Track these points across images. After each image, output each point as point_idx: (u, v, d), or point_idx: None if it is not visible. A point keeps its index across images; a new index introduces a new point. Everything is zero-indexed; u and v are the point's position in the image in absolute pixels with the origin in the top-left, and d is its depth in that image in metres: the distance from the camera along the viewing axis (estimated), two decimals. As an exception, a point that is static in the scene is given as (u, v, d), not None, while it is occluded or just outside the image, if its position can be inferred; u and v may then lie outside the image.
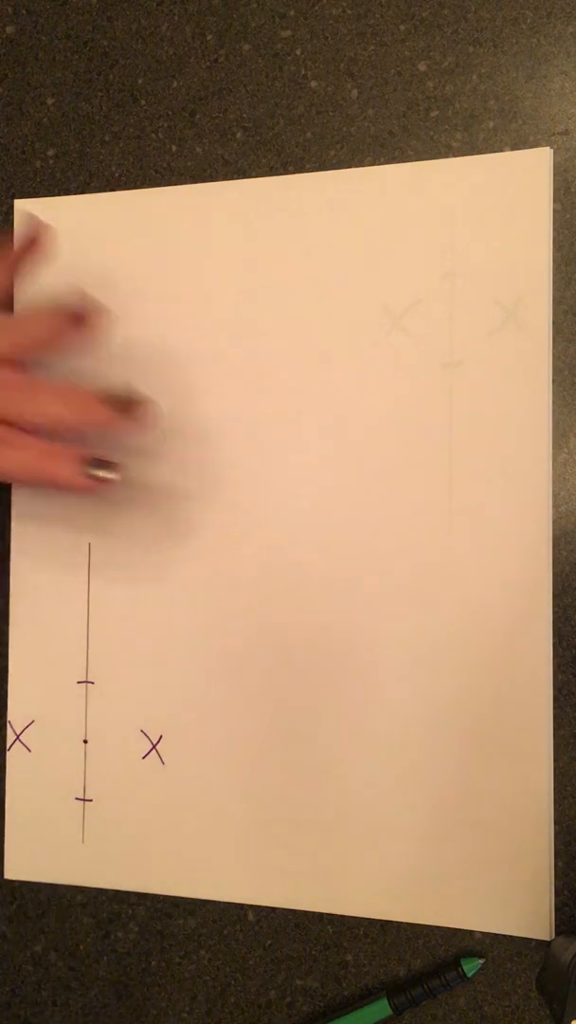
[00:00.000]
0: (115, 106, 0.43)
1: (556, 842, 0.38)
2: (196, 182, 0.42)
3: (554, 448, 0.38)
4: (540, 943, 0.38)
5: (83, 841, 0.43)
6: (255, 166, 0.42)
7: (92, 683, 0.43)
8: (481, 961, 0.38)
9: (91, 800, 0.43)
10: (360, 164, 0.40)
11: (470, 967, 0.38)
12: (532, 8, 0.39)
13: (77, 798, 0.43)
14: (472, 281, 0.39)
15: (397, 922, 0.40)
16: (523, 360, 0.38)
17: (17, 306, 0.44)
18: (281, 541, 0.40)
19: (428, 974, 0.38)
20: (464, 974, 0.37)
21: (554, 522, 0.38)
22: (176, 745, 0.42)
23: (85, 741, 0.43)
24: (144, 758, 0.42)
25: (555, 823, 0.38)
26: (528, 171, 0.38)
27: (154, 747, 0.42)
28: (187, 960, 0.42)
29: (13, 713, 0.44)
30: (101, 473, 0.38)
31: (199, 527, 0.42)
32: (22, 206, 0.44)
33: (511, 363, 0.38)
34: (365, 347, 0.40)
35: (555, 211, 0.38)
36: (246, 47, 0.42)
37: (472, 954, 0.38)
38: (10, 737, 0.44)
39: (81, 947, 0.43)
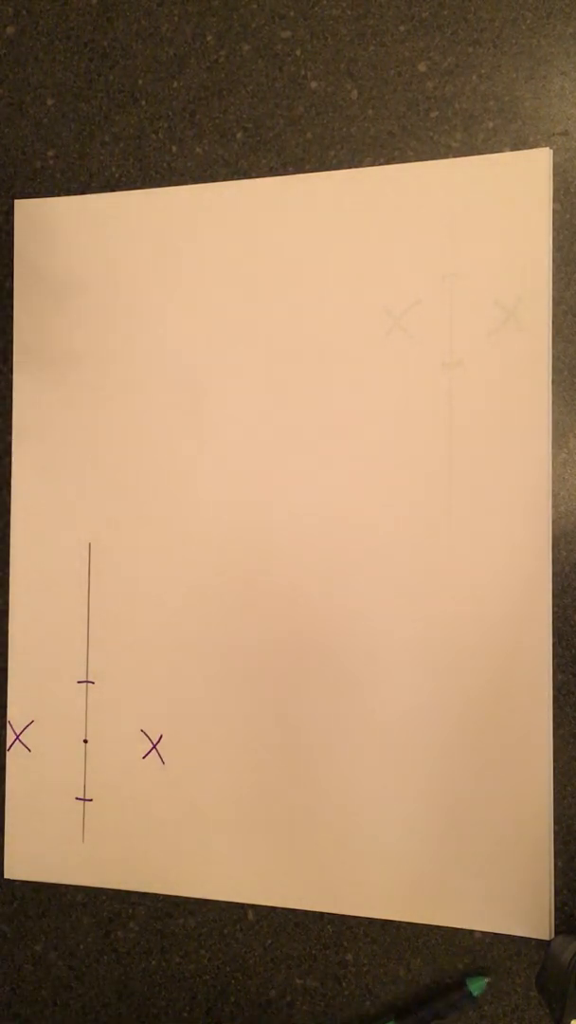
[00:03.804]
0: (115, 106, 0.43)
1: (556, 842, 0.38)
2: (196, 182, 0.42)
3: (554, 448, 0.38)
4: (540, 943, 0.38)
5: (83, 841, 0.43)
6: (255, 166, 0.42)
7: (92, 683, 0.43)
8: (487, 980, 0.38)
9: (91, 800, 0.43)
10: (360, 164, 0.40)
11: (476, 987, 0.37)
12: (532, 8, 0.39)
13: (77, 798, 0.43)
14: (472, 281, 0.39)
15: (397, 922, 0.40)
16: (523, 360, 0.38)
17: (17, 306, 0.44)
18: (281, 540, 0.40)
19: (435, 996, 0.38)
20: (471, 994, 0.37)
21: (554, 522, 0.38)
22: (176, 745, 0.42)
23: (85, 741, 0.43)
24: (144, 758, 0.42)
25: (555, 823, 0.38)
26: (528, 171, 0.38)
27: (154, 747, 0.42)
28: (187, 960, 0.42)
29: (13, 713, 0.44)
30: None
31: (199, 527, 0.42)
32: (22, 206, 0.44)
33: (511, 363, 0.38)
34: (365, 347, 0.40)
35: (555, 211, 0.38)
36: (246, 47, 0.42)
37: (477, 972, 0.38)
38: (10, 737, 0.44)
39: (81, 947, 0.43)
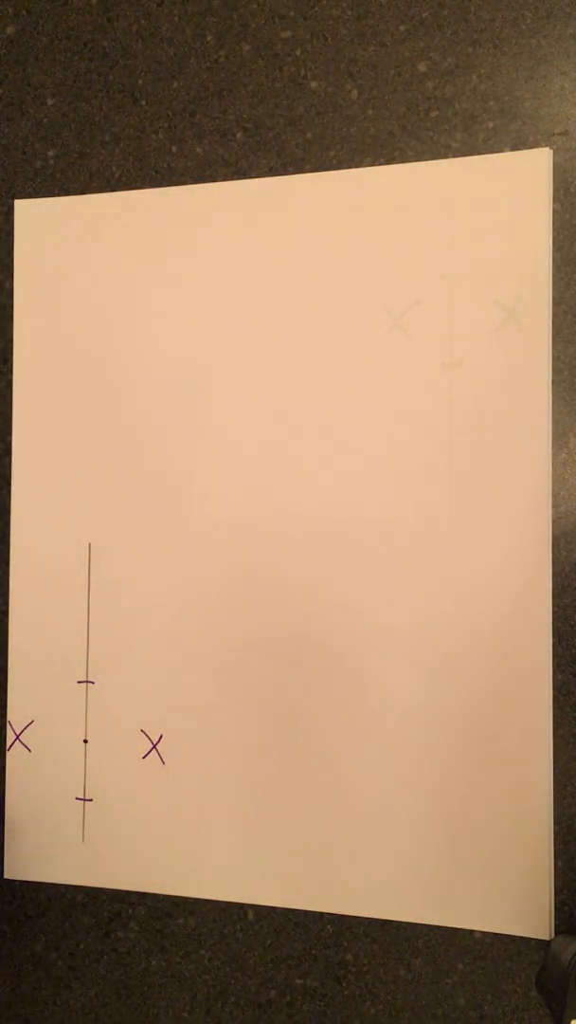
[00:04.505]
0: (115, 106, 0.43)
1: (556, 842, 0.38)
2: (196, 182, 0.42)
3: (554, 448, 0.38)
4: (540, 943, 0.38)
5: (83, 841, 0.43)
6: (255, 166, 0.42)
7: (92, 683, 0.43)
8: None
9: (91, 800, 0.43)
10: (360, 164, 0.40)
11: None
12: (532, 8, 0.39)
13: (77, 798, 0.43)
14: (472, 281, 0.39)
15: (397, 922, 0.40)
16: (523, 360, 0.38)
17: (17, 306, 0.44)
18: (280, 540, 0.40)
19: None
20: None
21: (554, 522, 0.38)
22: (176, 745, 0.42)
23: (85, 741, 0.43)
24: (144, 758, 0.42)
25: (555, 823, 0.38)
26: (528, 171, 0.38)
27: (154, 747, 0.42)
28: (187, 960, 0.42)
29: (13, 713, 0.44)
30: None
31: (199, 526, 0.42)
32: (22, 206, 0.44)
33: (511, 363, 0.38)
34: (365, 347, 0.40)
35: (555, 211, 0.38)
36: (246, 47, 0.42)
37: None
38: (10, 737, 0.44)
39: (81, 947, 0.43)
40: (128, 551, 0.43)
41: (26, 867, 0.44)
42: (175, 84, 0.43)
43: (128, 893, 0.43)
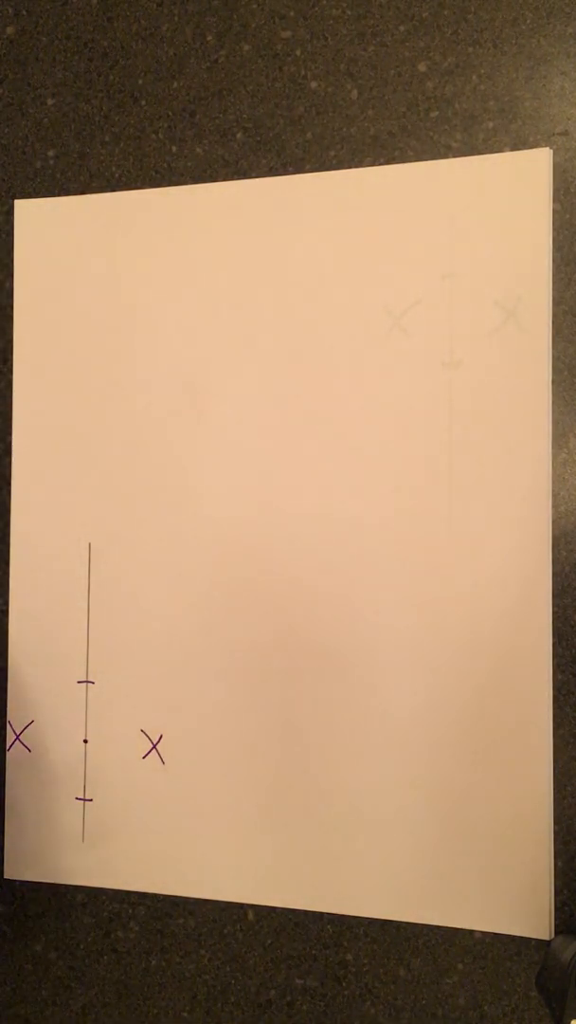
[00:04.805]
0: (115, 106, 0.43)
1: (556, 842, 0.38)
2: (196, 182, 0.42)
3: (554, 448, 0.38)
4: (540, 943, 0.38)
5: (83, 841, 0.43)
6: (255, 166, 0.42)
7: (92, 683, 0.43)
8: None
9: (91, 800, 0.43)
10: (360, 164, 0.40)
11: None
12: (532, 8, 0.39)
13: (77, 798, 0.43)
14: (472, 281, 0.39)
15: (397, 922, 0.40)
16: (523, 360, 0.38)
17: (17, 306, 0.44)
18: (281, 540, 0.40)
19: None
20: None
21: (554, 522, 0.38)
22: (176, 745, 0.42)
23: (85, 741, 0.43)
24: (144, 758, 0.42)
25: (555, 823, 0.38)
26: (528, 171, 0.38)
27: (154, 747, 0.42)
28: (187, 960, 0.42)
29: (13, 713, 0.44)
30: None
31: (199, 526, 0.42)
32: (22, 206, 0.44)
33: (511, 363, 0.38)
34: (365, 347, 0.40)
35: (555, 211, 0.38)
36: (246, 47, 0.42)
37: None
38: (10, 737, 0.44)
39: (81, 947, 0.43)
40: (128, 551, 0.43)
41: (26, 867, 0.44)
42: (175, 84, 0.43)
43: (128, 893, 0.43)
